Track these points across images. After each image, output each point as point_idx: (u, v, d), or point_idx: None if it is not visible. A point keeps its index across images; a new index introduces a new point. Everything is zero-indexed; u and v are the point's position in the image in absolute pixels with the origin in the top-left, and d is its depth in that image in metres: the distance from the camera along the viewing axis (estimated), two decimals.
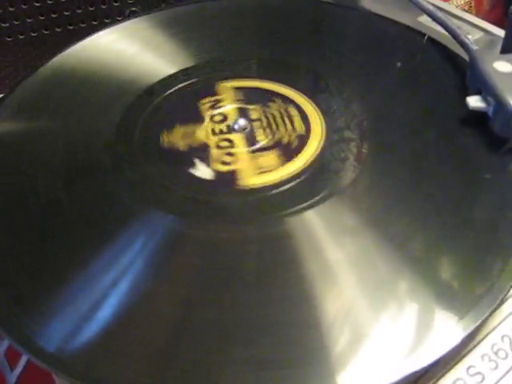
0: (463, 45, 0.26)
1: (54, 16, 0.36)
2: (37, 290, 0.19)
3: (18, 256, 0.20)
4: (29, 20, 0.35)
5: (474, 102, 0.23)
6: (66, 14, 0.36)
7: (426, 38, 0.29)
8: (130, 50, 0.29)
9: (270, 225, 0.21)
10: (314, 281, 0.19)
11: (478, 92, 0.24)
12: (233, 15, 0.32)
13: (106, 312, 0.19)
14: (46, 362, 0.18)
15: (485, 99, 0.23)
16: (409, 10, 0.35)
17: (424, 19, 0.34)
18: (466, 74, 0.25)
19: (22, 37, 0.36)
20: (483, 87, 0.23)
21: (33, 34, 0.36)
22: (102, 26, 0.32)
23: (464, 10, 0.44)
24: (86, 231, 0.21)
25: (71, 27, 0.37)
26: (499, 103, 0.22)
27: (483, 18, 0.35)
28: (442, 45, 0.28)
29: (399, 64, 0.28)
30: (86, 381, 0.17)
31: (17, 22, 0.35)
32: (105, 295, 0.19)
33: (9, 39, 0.35)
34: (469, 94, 0.24)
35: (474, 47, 0.25)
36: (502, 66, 0.23)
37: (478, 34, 0.33)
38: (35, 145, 0.24)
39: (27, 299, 0.19)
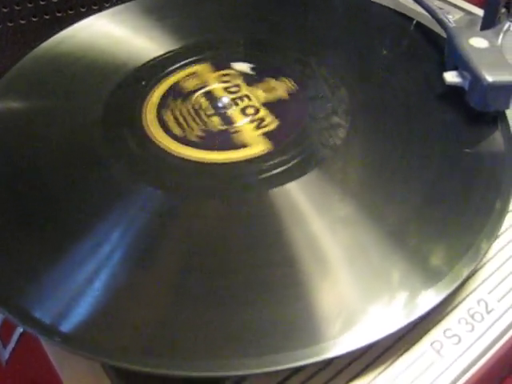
0: (441, 23, 0.26)
1: (42, 3, 0.36)
2: (32, 264, 0.20)
3: (13, 231, 0.21)
4: (17, 7, 0.36)
5: (451, 77, 0.24)
6: (55, 1, 0.36)
7: (414, 23, 0.30)
8: (119, 33, 0.30)
9: (256, 197, 0.21)
10: (298, 248, 0.20)
11: (454, 68, 0.24)
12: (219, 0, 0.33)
13: (100, 284, 0.19)
14: (43, 333, 0.18)
15: (461, 74, 0.24)
16: None
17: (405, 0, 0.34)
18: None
19: (10, 24, 0.36)
20: (459, 63, 0.24)
21: (22, 22, 0.36)
22: (90, 12, 0.32)
23: None
24: (79, 206, 0.22)
25: (60, 14, 0.37)
26: (474, 77, 0.23)
27: (468, 0, 0.36)
28: (426, 27, 0.29)
29: (385, 52, 0.28)
30: (82, 350, 0.18)
31: (5, 10, 0.35)
32: (100, 267, 0.19)
33: None
34: (446, 70, 0.25)
35: (451, 25, 0.26)
36: (477, 41, 0.24)
37: (460, 15, 0.34)
38: (26, 124, 0.25)
39: (22, 273, 0.20)
